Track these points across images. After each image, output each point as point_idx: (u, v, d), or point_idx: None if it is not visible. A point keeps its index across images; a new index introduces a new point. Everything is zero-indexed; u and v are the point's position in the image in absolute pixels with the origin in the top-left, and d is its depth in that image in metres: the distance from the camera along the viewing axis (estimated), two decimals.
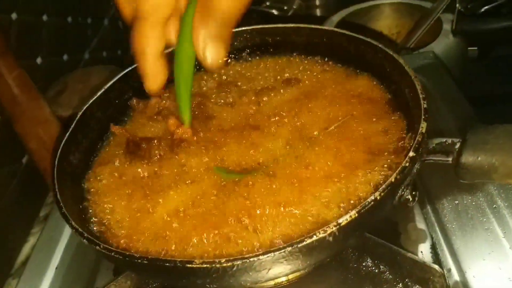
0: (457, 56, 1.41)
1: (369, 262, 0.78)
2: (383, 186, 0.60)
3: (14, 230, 1.10)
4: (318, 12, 1.95)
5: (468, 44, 1.46)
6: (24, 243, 1.11)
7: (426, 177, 0.92)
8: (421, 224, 0.85)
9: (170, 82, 1.00)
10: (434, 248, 0.81)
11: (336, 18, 1.64)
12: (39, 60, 1.24)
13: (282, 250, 0.55)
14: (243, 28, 1.02)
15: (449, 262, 0.80)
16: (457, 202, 0.87)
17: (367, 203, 0.58)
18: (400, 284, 0.74)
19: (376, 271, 0.77)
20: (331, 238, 0.57)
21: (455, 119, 1.05)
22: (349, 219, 0.57)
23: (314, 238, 0.56)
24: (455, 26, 1.43)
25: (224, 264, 0.56)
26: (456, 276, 0.77)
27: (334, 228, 0.56)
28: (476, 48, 1.47)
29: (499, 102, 1.39)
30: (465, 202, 0.87)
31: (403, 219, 0.85)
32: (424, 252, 0.80)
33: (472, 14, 1.49)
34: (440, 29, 1.46)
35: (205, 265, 0.56)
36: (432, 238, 0.82)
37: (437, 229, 0.84)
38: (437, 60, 1.28)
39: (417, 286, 0.73)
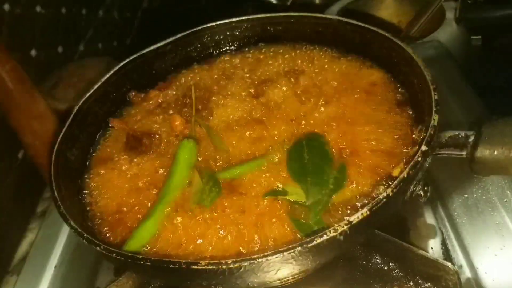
0: (460, 45, 1.38)
1: (378, 259, 0.76)
2: (395, 182, 0.57)
3: (11, 226, 1.08)
4: (317, 0, 1.91)
5: (472, 33, 1.44)
6: (22, 239, 1.08)
7: (434, 171, 0.90)
8: (430, 219, 0.83)
9: (169, 73, 0.98)
10: (444, 244, 0.79)
11: (336, 7, 1.61)
12: (33, 53, 1.21)
13: (292, 250, 0.53)
14: (243, 18, 0.99)
15: (460, 258, 0.78)
16: (466, 196, 0.85)
17: (379, 200, 0.56)
18: (411, 281, 0.72)
19: (386, 268, 0.75)
20: (342, 237, 0.55)
21: (462, 110, 1.02)
22: (360, 217, 0.55)
23: (325, 237, 0.54)
24: (458, 14, 1.40)
25: (231, 265, 0.53)
26: (467, 273, 0.76)
27: (345, 227, 0.54)
28: (479, 36, 1.44)
29: (503, 91, 1.36)
30: (475, 196, 0.85)
31: (412, 215, 0.83)
32: (434, 248, 0.78)
33: (475, 2, 1.46)
34: (443, 17, 1.43)
35: (211, 267, 0.54)
36: (442, 233, 0.80)
37: (447, 224, 0.82)
38: (442, 49, 1.26)
39: (429, 283, 0.71)
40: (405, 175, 0.58)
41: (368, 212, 0.55)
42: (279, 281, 0.71)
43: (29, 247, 1.04)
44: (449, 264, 0.69)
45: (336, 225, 0.54)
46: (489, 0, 1.47)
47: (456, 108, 1.03)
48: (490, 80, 1.35)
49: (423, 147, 0.60)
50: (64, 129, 0.78)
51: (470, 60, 1.41)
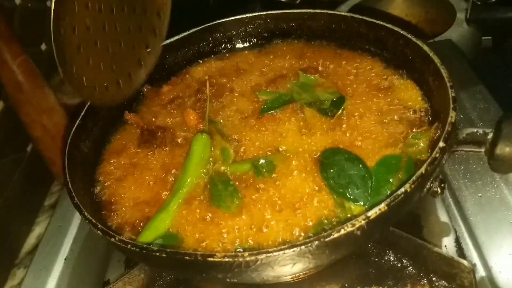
0: (471, 46, 1.38)
1: (392, 256, 0.75)
2: (413, 178, 0.57)
3: (19, 219, 1.08)
4: None
5: (483, 33, 1.43)
6: (29, 232, 1.08)
7: (447, 168, 0.89)
8: (443, 217, 0.82)
9: (182, 68, 0.98)
10: (458, 242, 0.78)
11: (346, 6, 1.60)
12: (43, 47, 1.21)
13: (309, 244, 0.53)
14: (256, 14, 0.99)
15: (474, 256, 0.77)
16: (480, 195, 0.84)
17: (397, 195, 0.55)
18: (425, 279, 0.72)
19: (399, 265, 0.74)
20: (359, 232, 0.54)
21: (474, 108, 1.01)
22: (378, 212, 0.54)
23: (342, 232, 0.53)
24: (469, 14, 1.40)
25: (247, 258, 0.53)
26: (482, 272, 0.75)
27: (362, 222, 0.54)
28: (490, 37, 1.43)
29: None
30: (488, 195, 0.84)
31: (425, 211, 0.82)
32: (448, 246, 0.77)
33: (485, 3, 1.45)
34: (454, 17, 1.42)
35: (227, 259, 0.53)
36: (455, 231, 0.80)
37: (460, 222, 0.82)
38: (453, 48, 1.25)
39: (443, 281, 0.70)
40: (423, 171, 0.57)
41: (386, 208, 0.54)
42: (292, 275, 0.71)
43: (36, 240, 1.04)
44: (465, 262, 0.68)
45: (354, 219, 0.54)
46: (500, 1, 1.46)
47: (468, 107, 1.02)
48: (501, 81, 1.34)
49: (441, 144, 0.60)
50: (78, 121, 0.78)
51: (480, 60, 1.41)
